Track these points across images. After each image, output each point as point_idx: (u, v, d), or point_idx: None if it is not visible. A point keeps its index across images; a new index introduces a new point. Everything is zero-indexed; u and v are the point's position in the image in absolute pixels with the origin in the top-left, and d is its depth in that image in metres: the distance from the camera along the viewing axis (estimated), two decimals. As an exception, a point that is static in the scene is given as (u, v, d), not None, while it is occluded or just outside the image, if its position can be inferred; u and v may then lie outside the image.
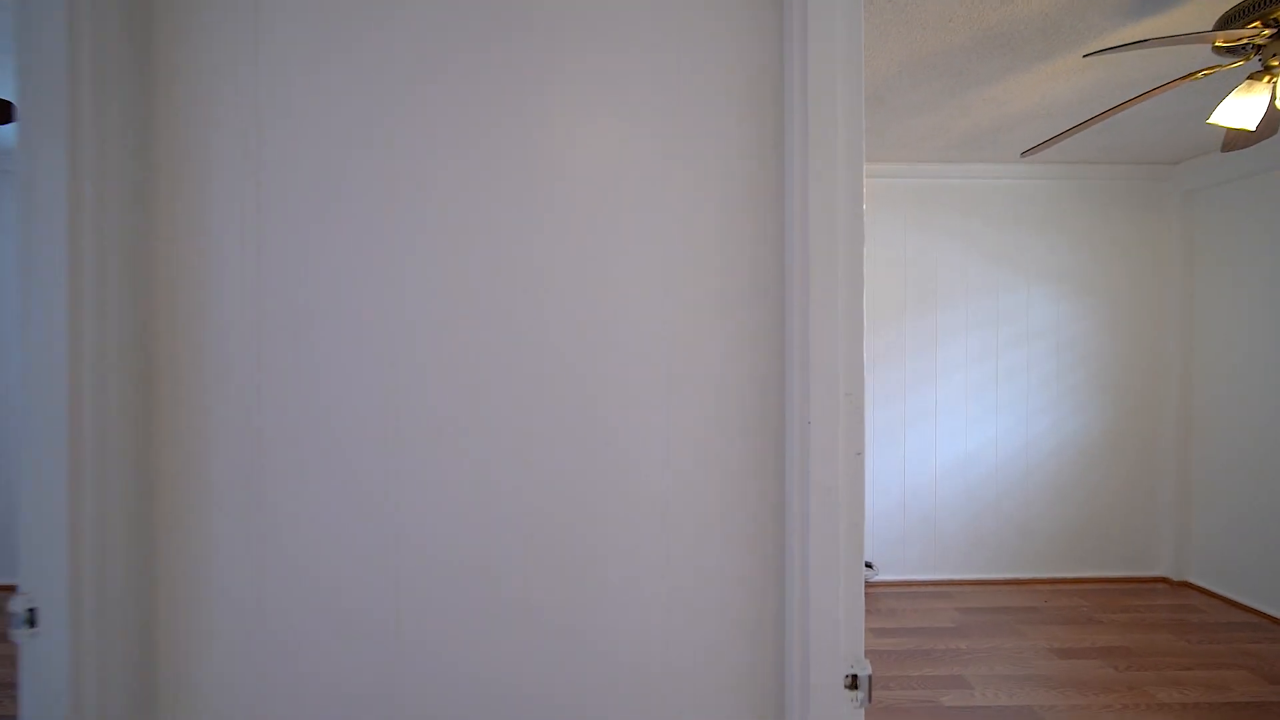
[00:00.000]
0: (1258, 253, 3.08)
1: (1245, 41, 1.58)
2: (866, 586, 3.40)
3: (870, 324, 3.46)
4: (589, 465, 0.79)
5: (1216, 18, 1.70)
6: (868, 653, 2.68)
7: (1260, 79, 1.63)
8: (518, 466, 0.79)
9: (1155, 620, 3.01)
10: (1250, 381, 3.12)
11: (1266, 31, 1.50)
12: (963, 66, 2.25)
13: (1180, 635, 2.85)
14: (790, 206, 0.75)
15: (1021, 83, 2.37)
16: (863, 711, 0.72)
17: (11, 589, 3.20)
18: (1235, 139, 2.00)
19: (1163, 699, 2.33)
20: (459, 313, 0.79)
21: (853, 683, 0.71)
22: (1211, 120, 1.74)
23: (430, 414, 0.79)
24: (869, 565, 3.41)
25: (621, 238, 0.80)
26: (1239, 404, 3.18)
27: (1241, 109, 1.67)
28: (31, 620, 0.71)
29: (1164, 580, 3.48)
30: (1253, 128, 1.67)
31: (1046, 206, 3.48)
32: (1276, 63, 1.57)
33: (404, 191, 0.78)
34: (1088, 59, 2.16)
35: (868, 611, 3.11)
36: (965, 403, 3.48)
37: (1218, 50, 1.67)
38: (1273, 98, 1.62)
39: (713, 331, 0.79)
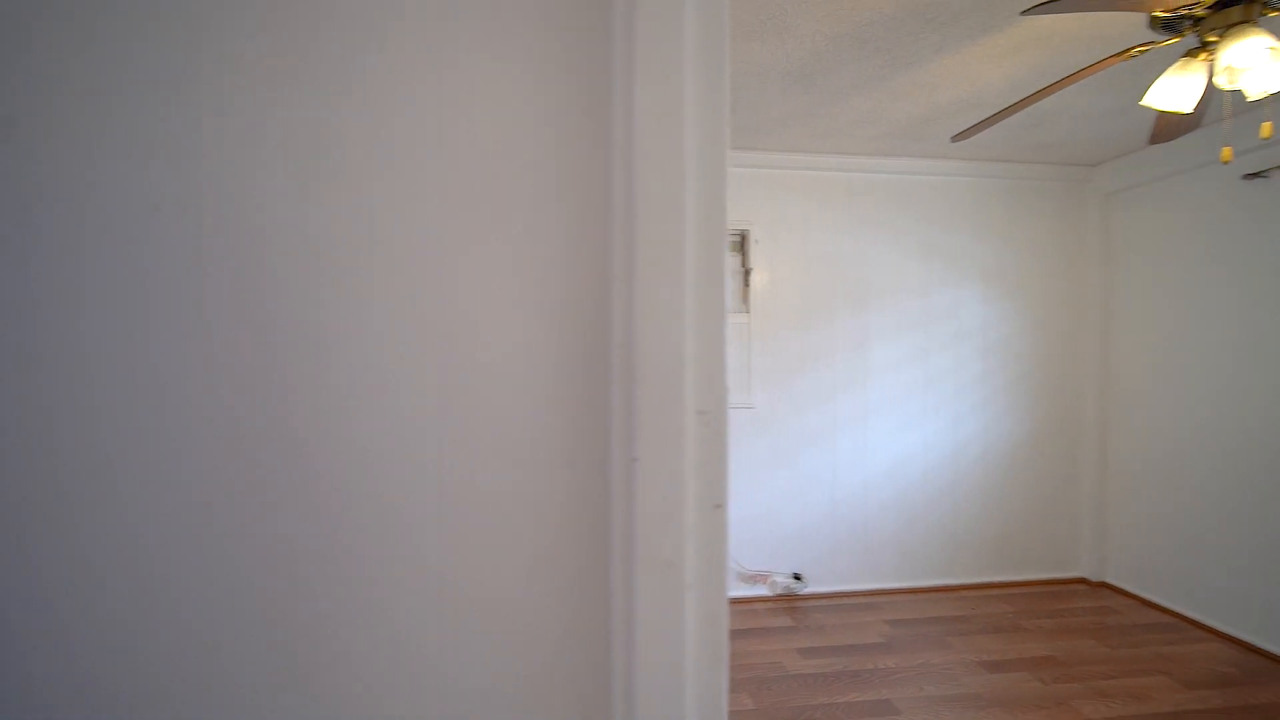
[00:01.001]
0: (1171, 256, 3.11)
1: (1183, 13, 1.45)
2: (795, 599, 3.23)
3: (801, 323, 3.29)
4: (310, 527, 0.49)
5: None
6: (794, 677, 2.48)
7: (1196, 56, 1.51)
8: (195, 519, 0.48)
9: (1078, 625, 2.97)
10: (1164, 383, 3.14)
11: (1207, 1, 1.37)
12: (894, 44, 2.08)
13: (1102, 640, 2.81)
14: (614, 118, 0.48)
15: (953, 65, 2.23)
16: None
17: None
18: (1164, 129, 1.91)
19: (1089, 714, 2.24)
20: (98, 273, 0.48)
21: None
22: (1144, 102, 1.62)
23: (41, 421, 0.47)
24: (798, 578, 3.24)
25: (369, 174, 0.50)
26: (1153, 405, 3.20)
27: (1176, 89, 1.55)
28: None
29: (1083, 581, 3.49)
30: (1190, 109, 1.55)
31: (975, 204, 3.42)
32: (1214, 39, 1.44)
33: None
34: (1020, 37, 2.03)
35: (797, 629, 2.93)
36: (896, 406, 3.37)
37: (1154, 25, 1.54)
38: (1209, 77, 1.50)
39: (514, 318, 0.51)
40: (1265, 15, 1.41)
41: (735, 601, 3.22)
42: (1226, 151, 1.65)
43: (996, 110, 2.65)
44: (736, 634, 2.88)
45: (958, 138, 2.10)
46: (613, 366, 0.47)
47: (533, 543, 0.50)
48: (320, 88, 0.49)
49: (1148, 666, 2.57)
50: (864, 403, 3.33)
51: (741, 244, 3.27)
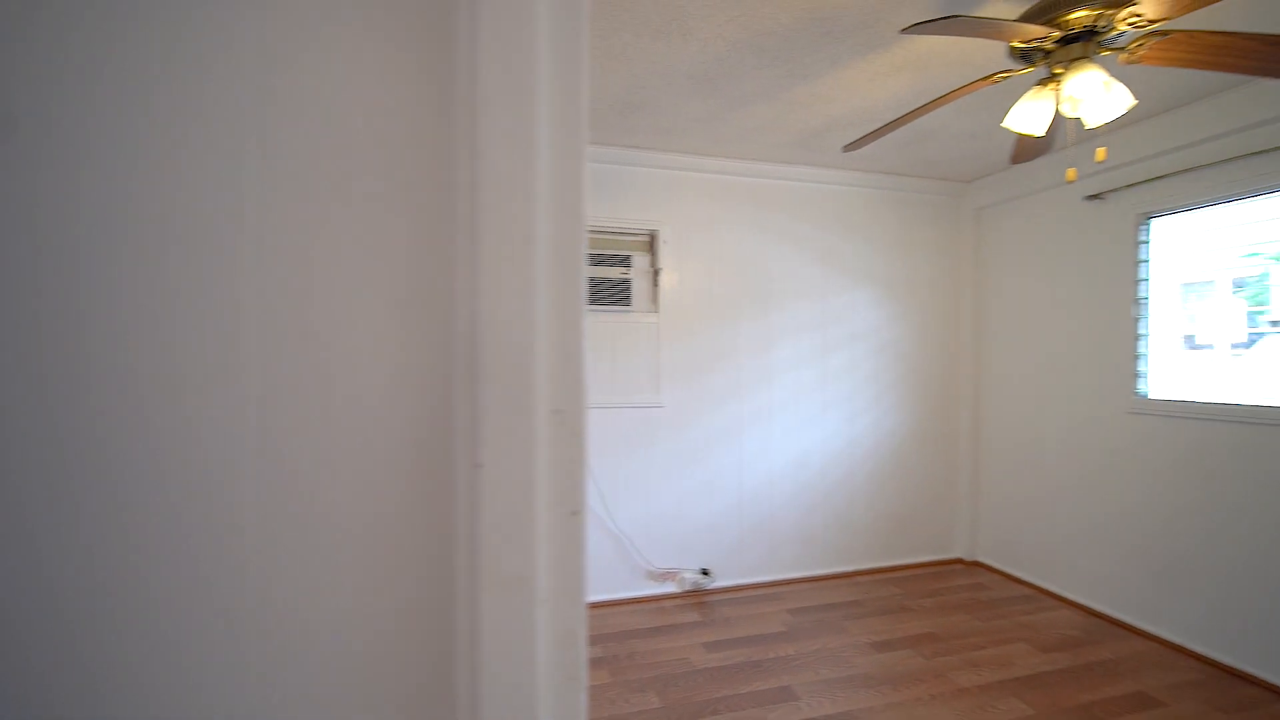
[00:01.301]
0: (1029, 267, 3.47)
1: (1035, 45, 1.60)
2: (703, 594, 3.29)
3: (708, 323, 3.35)
4: (109, 535, 0.41)
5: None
6: (699, 672, 2.51)
7: (1046, 85, 1.67)
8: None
9: (956, 602, 3.24)
10: (1024, 382, 3.51)
11: (1055, 34, 1.52)
12: (791, 55, 2.16)
13: (975, 614, 3.08)
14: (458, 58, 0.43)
15: (846, 79, 2.35)
16: None
17: None
18: (1023, 150, 2.11)
19: (963, 683, 2.44)
20: None
21: None
22: (1004, 124, 1.78)
23: None
24: (705, 573, 3.30)
25: (175, 141, 0.42)
26: (1016, 401, 3.56)
27: (1030, 114, 1.72)
28: None
29: (960, 561, 3.82)
30: (1042, 133, 1.72)
31: (868, 214, 3.65)
32: (1061, 70, 1.61)
33: None
34: (902, 57, 2.17)
35: (703, 624, 2.98)
36: (797, 404, 3.52)
37: (1012, 54, 1.70)
38: (1057, 105, 1.67)
39: (346, 307, 0.45)
40: (1100, 54, 1.59)
41: (644, 600, 3.23)
42: (1071, 172, 1.84)
43: (883, 124, 2.83)
44: (645, 633, 2.88)
45: (848, 148, 2.21)
46: (458, 362, 0.43)
47: (367, 558, 0.45)
48: (127, 41, 0.40)
49: (1011, 635, 2.85)
50: (769, 401, 3.46)
51: (651, 244, 3.29)
